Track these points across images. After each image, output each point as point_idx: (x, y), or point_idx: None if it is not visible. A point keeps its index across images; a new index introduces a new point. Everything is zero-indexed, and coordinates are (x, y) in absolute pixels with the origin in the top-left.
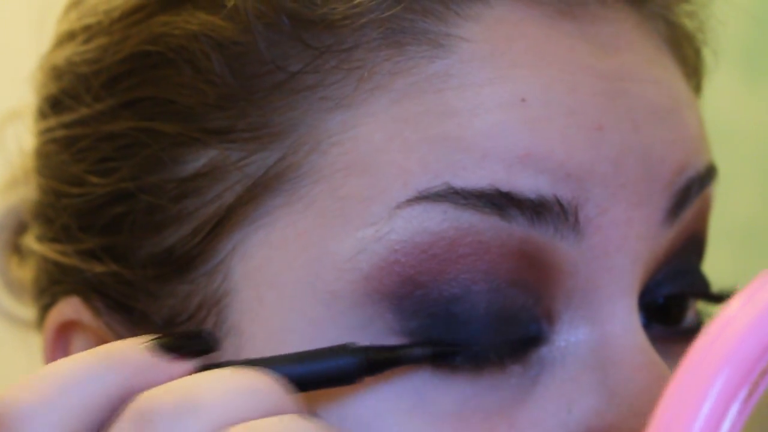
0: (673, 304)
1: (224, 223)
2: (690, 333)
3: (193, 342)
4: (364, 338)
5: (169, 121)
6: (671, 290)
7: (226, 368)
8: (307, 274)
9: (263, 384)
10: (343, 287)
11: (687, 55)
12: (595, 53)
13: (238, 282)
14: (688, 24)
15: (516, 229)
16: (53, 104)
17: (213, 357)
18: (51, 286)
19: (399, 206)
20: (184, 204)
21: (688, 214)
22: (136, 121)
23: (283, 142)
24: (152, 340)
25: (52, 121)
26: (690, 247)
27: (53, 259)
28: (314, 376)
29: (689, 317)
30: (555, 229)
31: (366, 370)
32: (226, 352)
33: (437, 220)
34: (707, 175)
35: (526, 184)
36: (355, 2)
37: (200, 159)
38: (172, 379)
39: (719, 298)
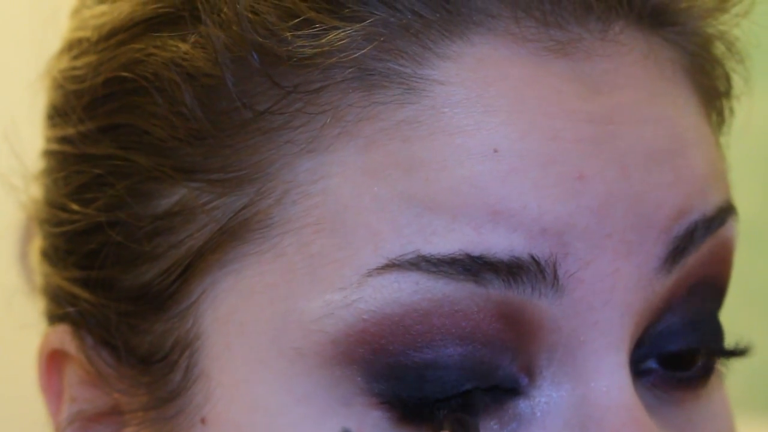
0: (684, 352)
1: (194, 265)
2: (696, 380)
3: None
4: (331, 397)
5: (143, 152)
6: (681, 344)
7: None
8: (273, 328)
9: None
10: (309, 347)
11: (710, 81)
12: (584, 94)
13: (208, 327)
14: (715, 46)
15: (492, 293)
16: (51, 115)
17: (184, 398)
18: (52, 303)
19: (369, 273)
20: (157, 242)
21: (691, 259)
22: (114, 148)
23: (251, 187)
24: None
25: (50, 132)
26: (700, 292)
27: (48, 278)
28: None
29: (699, 363)
30: (532, 288)
31: None
32: (196, 396)
33: (408, 291)
34: (717, 217)
35: (499, 244)
36: (324, 40)
37: (172, 196)
38: None
39: (731, 353)
